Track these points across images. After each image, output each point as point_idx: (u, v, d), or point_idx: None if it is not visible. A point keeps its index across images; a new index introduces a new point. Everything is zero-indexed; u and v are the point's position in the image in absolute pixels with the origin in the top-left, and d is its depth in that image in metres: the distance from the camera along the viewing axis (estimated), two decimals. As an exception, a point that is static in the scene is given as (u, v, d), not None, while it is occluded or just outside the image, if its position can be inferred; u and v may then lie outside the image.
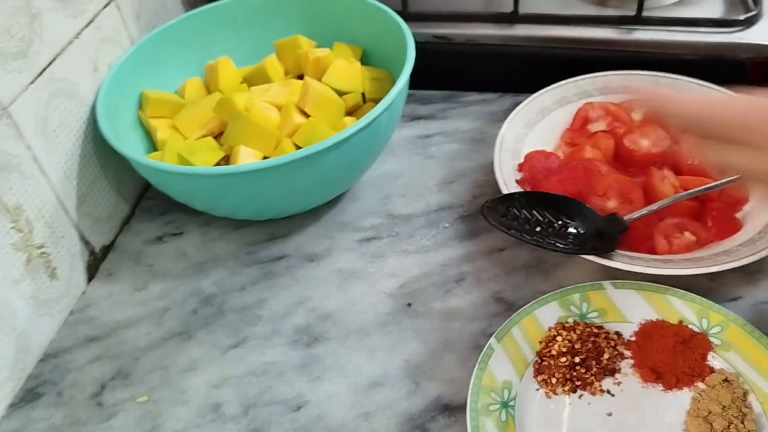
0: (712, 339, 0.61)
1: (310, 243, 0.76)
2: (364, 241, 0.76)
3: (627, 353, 0.62)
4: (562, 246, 0.65)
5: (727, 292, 0.68)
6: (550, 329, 0.64)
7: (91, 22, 0.72)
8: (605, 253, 0.66)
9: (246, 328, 0.66)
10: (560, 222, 0.68)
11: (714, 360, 0.60)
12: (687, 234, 0.71)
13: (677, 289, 0.64)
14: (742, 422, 0.55)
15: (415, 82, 0.77)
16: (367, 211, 0.79)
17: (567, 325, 0.64)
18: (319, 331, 0.68)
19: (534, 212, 0.68)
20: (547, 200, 0.70)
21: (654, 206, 0.69)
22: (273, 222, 0.77)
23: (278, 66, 0.82)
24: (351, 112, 0.78)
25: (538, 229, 0.67)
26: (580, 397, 0.60)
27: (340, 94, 0.77)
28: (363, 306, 0.70)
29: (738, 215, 0.72)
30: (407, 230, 0.77)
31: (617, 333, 0.63)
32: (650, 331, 0.63)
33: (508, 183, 0.73)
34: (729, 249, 0.67)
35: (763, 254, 0.64)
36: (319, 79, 0.76)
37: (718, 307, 0.62)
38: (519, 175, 0.76)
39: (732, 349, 0.60)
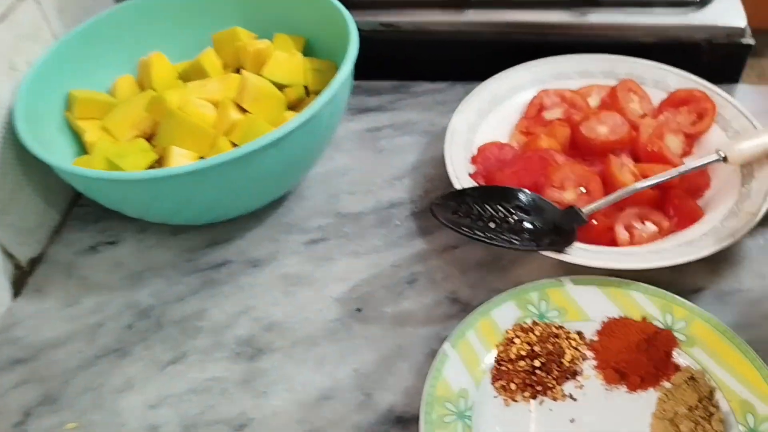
0: (677, 335, 0.58)
1: (254, 247, 0.72)
2: (311, 243, 0.72)
3: (589, 354, 0.59)
4: (517, 243, 0.62)
5: (690, 283, 0.65)
6: (507, 331, 0.60)
7: (5, 16, 0.65)
8: (563, 247, 0.62)
9: (186, 341, 0.62)
10: (516, 217, 0.64)
11: (679, 357, 0.57)
12: (648, 224, 0.67)
13: (640, 284, 0.61)
14: (710, 422, 0.52)
15: (363, 72, 0.74)
16: (315, 211, 0.75)
17: (525, 326, 0.60)
18: (264, 342, 0.64)
19: (488, 207, 0.65)
20: (502, 194, 0.66)
21: (613, 196, 0.65)
22: (214, 226, 0.73)
23: (216, 60, 0.76)
24: (293, 106, 0.73)
25: (492, 225, 0.63)
26: (541, 403, 0.56)
27: (282, 87, 0.71)
28: (310, 313, 0.66)
29: (699, 202, 0.69)
30: (357, 230, 0.73)
31: (579, 333, 0.60)
32: (613, 329, 0.59)
33: (461, 177, 0.69)
34: (692, 239, 0.64)
35: (726, 243, 0.61)
36: (259, 73, 0.69)
37: (682, 301, 0.59)
38: (473, 168, 0.72)
39: (697, 345, 0.57)
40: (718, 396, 0.54)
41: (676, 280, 0.65)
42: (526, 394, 0.56)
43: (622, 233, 0.66)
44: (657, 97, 0.71)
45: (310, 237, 0.73)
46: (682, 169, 0.65)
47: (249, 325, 0.65)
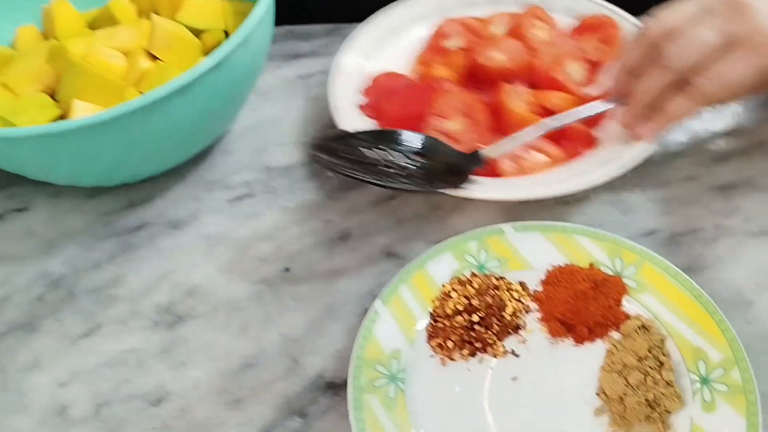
0: (626, 281, 0.54)
1: (174, 207, 0.66)
2: (237, 201, 0.67)
3: (533, 306, 0.54)
4: (407, 183, 0.58)
5: (640, 226, 0.61)
6: (444, 285, 0.55)
7: None
8: (457, 185, 0.58)
9: (100, 312, 0.59)
10: (411, 159, 0.60)
11: (629, 305, 0.53)
12: (538, 154, 0.63)
13: (586, 228, 0.56)
14: (660, 373, 0.49)
15: (294, 15, 0.68)
16: (241, 166, 0.69)
17: (463, 278, 0.55)
18: (184, 309, 0.59)
19: (377, 149, 0.59)
20: (392, 136, 0.61)
21: (517, 137, 0.61)
22: (132, 186, 0.67)
23: (128, 6, 0.69)
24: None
25: (382, 168, 0.58)
26: (480, 361, 0.52)
27: (198, 33, 0.64)
28: (234, 275, 0.61)
29: (597, 130, 0.65)
30: (286, 184, 0.67)
31: (521, 283, 0.55)
32: (558, 278, 0.55)
33: (347, 113, 0.65)
34: (585, 169, 0.61)
35: (619, 172, 0.58)
36: (174, 17, 0.62)
37: (632, 245, 0.55)
38: (365, 100, 0.68)
39: (648, 291, 0.53)
40: (669, 344, 0.51)
41: (625, 224, 0.61)
42: (465, 351, 0.52)
43: (506, 164, 0.62)
44: (569, 25, 0.67)
45: (236, 193, 0.67)
46: (584, 112, 0.61)
47: (168, 290, 0.61)
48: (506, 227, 0.57)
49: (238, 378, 0.52)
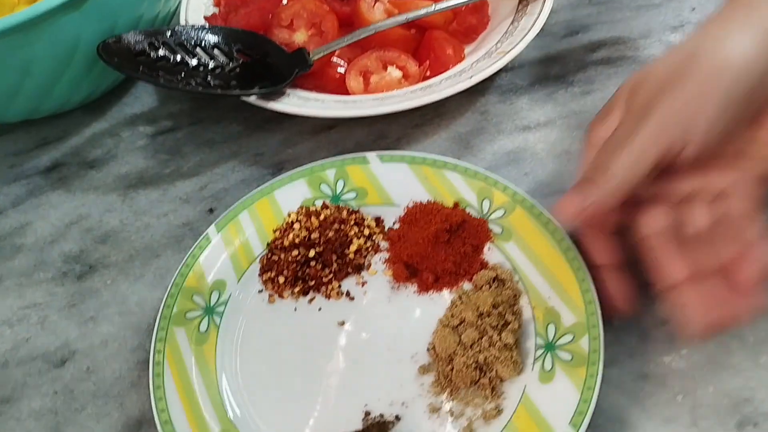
0: (492, 226, 0.65)
1: (91, 145, 0.84)
2: (159, 136, 0.83)
3: (385, 245, 0.67)
4: (215, 87, 0.72)
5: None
6: (290, 214, 0.68)
7: None
8: (275, 94, 0.71)
9: (1, 264, 0.70)
10: (231, 63, 0.75)
11: (490, 253, 0.64)
12: (391, 69, 0.73)
13: (460, 163, 0.67)
14: (499, 333, 0.59)
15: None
16: (165, 96, 0.85)
17: (312, 209, 0.68)
18: (96, 258, 0.72)
19: (191, 51, 0.75)
20: (203, 35, 0.75)
21: (348, 37, 0.72)
22: (44, 123, 0.83)
23: None
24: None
25: (196, 70, 0.73)
26: (311, 300, 0.65)
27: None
28: (152, 218, 0.77)
29: (475, 45, 0.76)
30: (214, 114, 0.83)
31: (377, 219, 0.68)
32: (417, 216, 0.66)
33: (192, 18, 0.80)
34: (432, 83, 0.72)
35: (461, 86, 0.69)
36: None
37: (506, 185, 0.66)
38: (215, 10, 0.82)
39: (513, 239, 0.64)
40: (523, 302, 0.61)
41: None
42: (296, 289, 0.65)
43: (353, 80, 0.73)
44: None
45: (158, 128, 0.84)
46: (441, 5, 0.71)
47: (79, 238, 0.76)
48: (371, 156, 0.69)
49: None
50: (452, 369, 0.59)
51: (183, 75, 0.71)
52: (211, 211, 0.76)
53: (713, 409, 0.56)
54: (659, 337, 0.60)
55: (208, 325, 0.64)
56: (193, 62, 0.73)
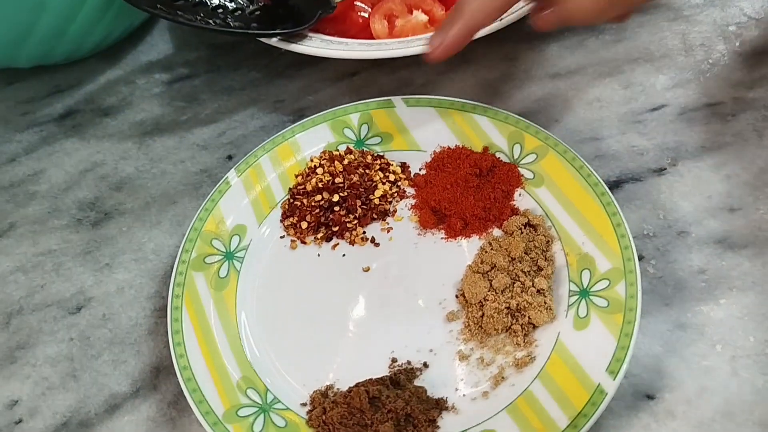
0: (523, 171, 0.63)
1: (106, 92, 0.83)
2: (176, 82, 0.82)
3: (411, 191, 0.65)
4: (237, 26, 0.69)
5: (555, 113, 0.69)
6: (312, 159, 0.67)
7: None
8: (296, 36, 0.69)
9: (14, 211, 0.71)
10: (251, 5, 0.72)
11: (521, 199, 0.63)
12: (417, 13, 0.71)
13: (489, 108, 0.65)
14: (532, 279, 0.58)
15: None
16: (181, 43, 0.84)
17: (335, 154, 0.67)
18: (111, 205, 0.74)
19: None
20: None
21: None
22: (58, 70, 0.83)
23: None
24: None
25: (216, 10, 0.70)
26: (334, 247, 0.64)
27: None
28: (169, 165, 0.76)
29: None
30: (232, 61, 0.82)
31: (403, 165, 0.66)
32: (444, 161, 0.65)
33: None
34: None
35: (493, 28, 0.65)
36: None
37: (538, 129, 0.64)
38: None
39: (545, 184, 0.62)
40: (556, 248, 0.59)
41: (539, 107, 0.70)
42: (319, 235, 0.64)
43: (377, 23, 0.71)
44: None
45: (175, 75, 0.83)
46: None
47: (94, 185, 0.76)
48: (397, 100, 0.67)
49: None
50: (482, 315, 0.57)
51: (202, 15, 0.69)
52: (229, 158, 0.75)
53: (754, 359, 0.55)
54: (696, 285, 0.59)
55: (228, 270, 0.63)
56: (214, 2, 0.71)
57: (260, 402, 0.56)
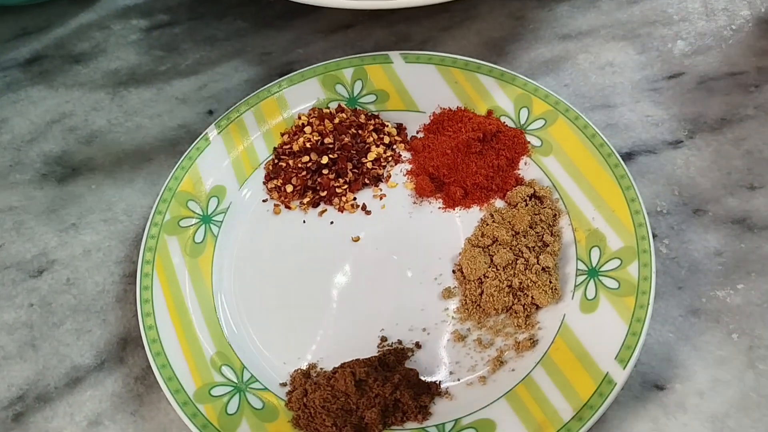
0: (530, 137, 0.60)
1: (77, 38, 0.79)
2: (155, 29, 0.79)
3: (407, 156, 0.63)
4: None
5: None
6: (300, 116, 0.64)
7: None
8: None
9: None
10: None
11: (527, 168, 0.60)
12: None
13: (494, 66, 0.62)
14: (537, 255, 0.55)
15: None
16: None
17: (326, 111, 0.64)
18: (80, 160, 0.71)
19: None
20: None
21: None
22: (24, 11, 0.79)
23: None
24: None
25: None
26: (321, 213, 0.62)
27: None
28: (144, 119, 0.73)
29: None
30: (216, 9, 0.78)
31: (399, 126, 0.64)
32: (444, 123, 0.62)
33: None
34: None
35: None
36: None
37: (548, 92, 0.61)
38: None
39: (553, 153, 0.59)
40: (563, 222, 0.57)
41: (550, 67, 0.67)
42: (306, 200, 0.61)
43: None
44: None
45: (153, 22, 0.79)
46: None
47: (62, 137, 0.73)
48: (394, 55, 0.64)
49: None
50: (481, 293, 0.55)
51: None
52: (210, 112, 0.72)
53: (773, 350, 0.50)
54: (712, 268, 0.56)
55: (204, 235, 0.60)
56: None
57: (236, 381, 0.53)
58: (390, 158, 0.62)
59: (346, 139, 0.61)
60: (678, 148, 0.63)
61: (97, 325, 0.60)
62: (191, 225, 0.60)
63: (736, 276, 0.56)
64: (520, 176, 0.59)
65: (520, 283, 0.54)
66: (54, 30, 0.80)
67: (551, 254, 0.55)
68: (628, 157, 0.61)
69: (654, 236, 0.55)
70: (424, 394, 0.51)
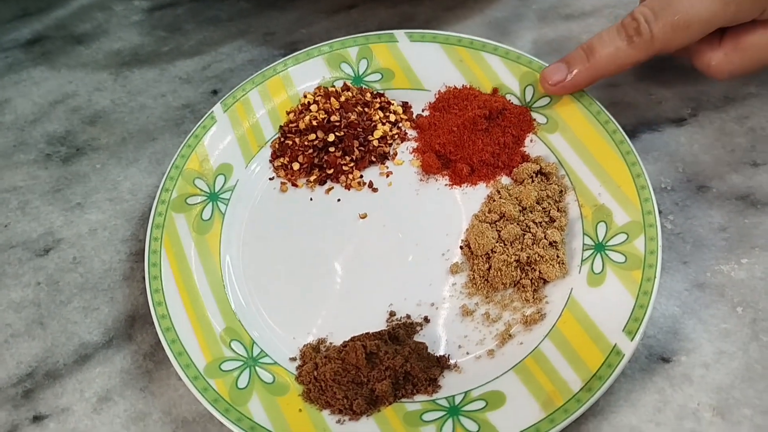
0: (535, 115, 0.61)
1: (78, 18, 0.80)
2: (157, 10, 0.80)
3: (413, 134, 0.63)
4: None
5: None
6: (306, 95, 0.65)
7: None
8: None
9: None
10: None
11: (533, 145, 0.61)
12: None
13: (499, 45, 0.63)
14: (544, 230, 0.56)
15: None
16: None
17: (332, 90, 0.64)
18: (84, 140, 0.72)
19: None
20: None
21: None
22: None
23: None
24: None
25: None
26: (328, 191, 0.62)
27: None
28: (148, 99, 0.74)
29: None
30: (220, -12, 0.76)
31: (404, 104, 0.64)
32: (450, 102, 0.63)
33: None
34: None
35: None
36: None
37: None
38: None
39: (559, 130, 0.60)
40: (570, 198, 0.58)
41: (561, 43, 0.68)
42: (313, 178, 0.62)
43: None
44: None
45: (155, 2, 0.80)
46: None
47: (65, 118, 0.74)
48: (399, 34, 0.65)
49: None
50: (489, 268, 0.55)
51: None
52: (215, 92, 0.73)
53: (777, 322, 0.51)
54: (717, 243, 0.57)
55: (212, 212, 0.61)
56: None
57: (245, 355, 0.54)
58: (396, 136, 0.63)
59: (353, 117, 0.61)
60: (682, 126, 0.63)
61: (105, 302, 0.60)
62: (198, 203, 0.60)
63: (740, 251, 0.57)
64: (526, 153, 0.60)
65: (528, 257, 0.54)
66: (55, 11, 0.81)
67: (558, 229, 0.55)
68: (632, 135, 0.61)
69: (659, 212, 0.55)
70: (433, 367, 0.52)
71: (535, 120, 0.61)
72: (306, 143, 0.62)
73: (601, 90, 0.65)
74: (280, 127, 0.64)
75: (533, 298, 0.54)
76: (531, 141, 0.61)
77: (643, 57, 0.54)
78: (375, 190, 0.61)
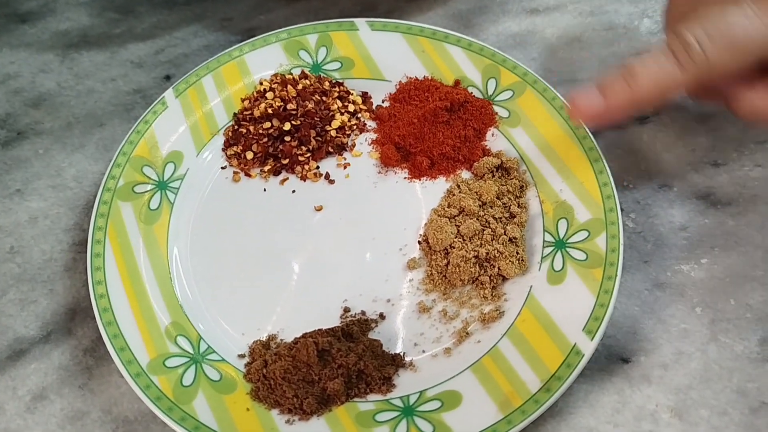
0: (497, 108, 0.61)
1: None
2: None
3: (372, 125, 0.62)
4: None
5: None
6: (262, 82, 0.63)
7: None
8: None
9: None
10: None
11: (494, 139, 0.60)
12: None
13: (462, 36, 0.63)
14: (504, 226, 0.55)
15: None
16: None
17: (289, 77, 0.63)
18: (26, 123, 0.70)
19: None
20: None
21: None
22: None
23: None
24: None
25: None
26: (283, 181, 0.61)
27: None
28: (97, 82, 0.72)
29: None
30: (174, -31, 0.75)
31: (364, 94, 0.63)
32: (411, 93, 0.62)
33: None
34: None
35: None
36: None
37: (516, 63, 0.61)
38: None
39: (521, 124, 0.59)
40: (530, 194, 0.57)
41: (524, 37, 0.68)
42: (267, 168, 0.61)
43: None
44: None
45: None
46: None
47: (6, 99, 0.71)
48: (360, 22, 0.64)
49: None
50: (447, 264, 0.54)
51: None
52: (167, 78, 0.71)
53: (734, 323, 0.53)
54: (677, 242, 0.57)
55: (160, 202, 0.59)
56: None
57: (191, 352, 0.52)
58: (355, 126, 0.61)
59: (310, 105, 0.60)
60: (645, 125, 0.63)
61: (44, 295, 0.58)
62: (146, 191, 0.58)
63: (700, 251, 0.56)
64: (488, 147, 0.59)
65: (487, 253, 0.54)
66: (-1, -13, 0.76)
67: (518, 225, 0.54)
68: (595, 132, 0.60)
69: (621, 210, 0.54)
70: (388, 366, 0.51)
71: (497, 114, 0.60)
72: (261, 132, 0.60)
73: (565, 86, 0.64)
74: (234, 114, 0.62)
75: (492, 295, 0.54)
76: (492, 135, 0.60)
77: (692, 83, 0.51)
78: (332, 181, 0.60)
